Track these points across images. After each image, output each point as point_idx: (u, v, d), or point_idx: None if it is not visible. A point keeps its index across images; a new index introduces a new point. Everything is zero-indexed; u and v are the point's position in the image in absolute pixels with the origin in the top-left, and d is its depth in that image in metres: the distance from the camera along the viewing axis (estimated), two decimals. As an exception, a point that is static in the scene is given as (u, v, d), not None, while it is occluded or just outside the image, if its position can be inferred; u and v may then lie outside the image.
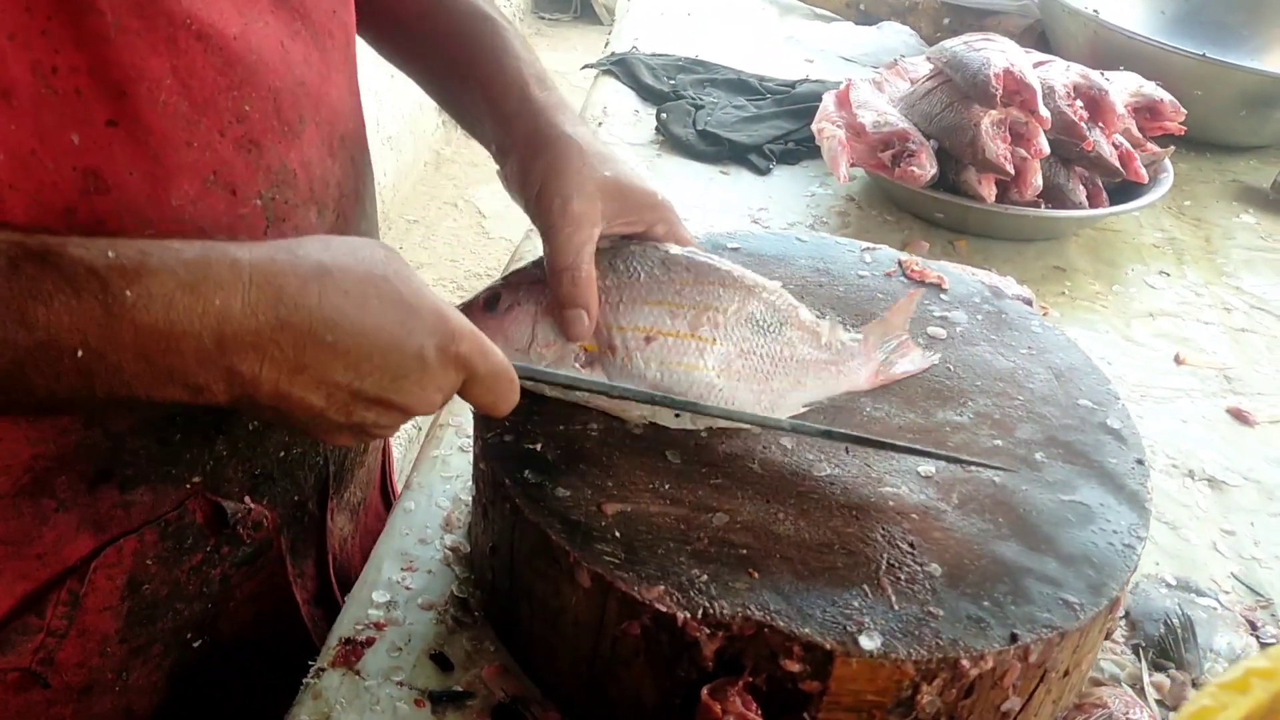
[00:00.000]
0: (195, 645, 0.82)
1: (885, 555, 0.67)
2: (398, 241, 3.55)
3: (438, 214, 3.78)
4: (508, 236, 3.57)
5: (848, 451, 0.75)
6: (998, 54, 1.25)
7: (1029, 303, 1.16)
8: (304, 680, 0.71)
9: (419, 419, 0.91)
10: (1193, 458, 1.00)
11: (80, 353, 0.52)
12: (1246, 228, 1.46)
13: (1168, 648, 0.79)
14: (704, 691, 0.62)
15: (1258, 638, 0.82)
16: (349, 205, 0.81)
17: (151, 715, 0.81)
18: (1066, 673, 0.67)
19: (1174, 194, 1.51)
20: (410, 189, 3.83)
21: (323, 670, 0.72)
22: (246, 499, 0.80)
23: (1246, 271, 1.35)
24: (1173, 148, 1.40)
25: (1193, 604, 0.83)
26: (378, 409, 0.61)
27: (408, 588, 0.78)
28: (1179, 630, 0.79)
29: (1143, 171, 1.32)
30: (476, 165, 4.08)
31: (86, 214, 0.61)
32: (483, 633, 0.76)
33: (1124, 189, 1.36)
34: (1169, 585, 0.85)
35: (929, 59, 1.36)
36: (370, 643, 0.74)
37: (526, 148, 0.78)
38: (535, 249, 1.18)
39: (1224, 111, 1.58)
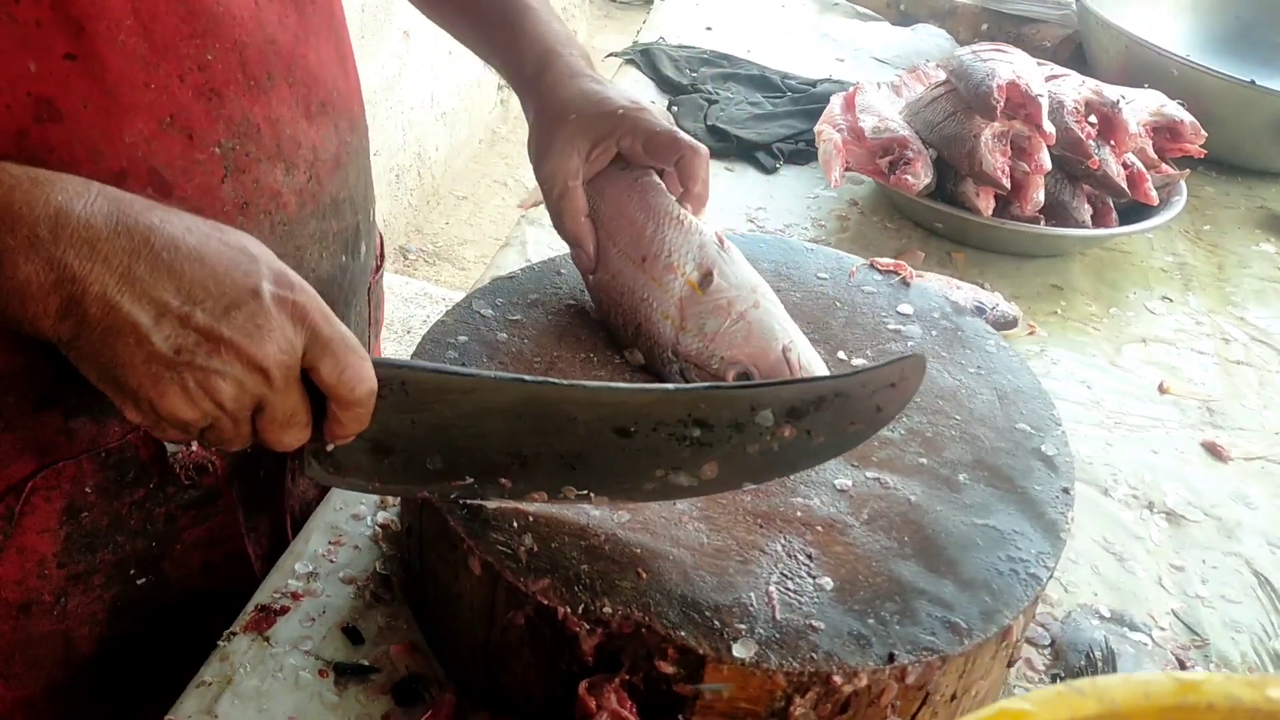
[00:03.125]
0: (139, 582, 0.83)
1: (780, 565, 0.67)
2: (445, 216, 3.59)
3: (487, 192, 3.82)
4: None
5: (768, 459, 0.75)
6: (1004, 65, 1.23)
7: (1014, 321, 1.15)
8: (218, 643, 0.74)
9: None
10: (1156, 489, 0.98)
11: None
12: (1264, 257, 1.42)
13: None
14: (581, 686, 0.63)
15: (1185, 678, 0.80)
16: (324, 170, 0.82)
17: (92, 646, 0.83)
18: (954, 697, 0.67)
19: (1193, 217, 1.48)
20: (462, 165, 3.87)
21: (234, 634, 0.74)
22: (193, 443, 0.81)
23: (1255, 302, 1.31)
24: (1188, 171, 1.36)
25: (1123, 638, 0.82)
26: (208, 346, 0.57)
27: (332, 561, 0.80)
28: (1099, 663, 0.78)
29: (1153, 194, 1.29)
30: (531, 146, 4.10)
31: (38, 139, 0.64)
32: (399, 611, 0.77)
33: (1137, 209, 1.33)
34: (1101, 617, 0.84)
35: (939, 66, 1.34)
36: (284, 611, 0.76)
37: (538, 114, 0.87)
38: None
39: (1257, 135, 1.54)
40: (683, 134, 0.84)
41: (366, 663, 0.73)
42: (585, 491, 0.67)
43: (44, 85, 0.63)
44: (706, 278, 0.79)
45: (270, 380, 0.59)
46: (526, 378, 0.66)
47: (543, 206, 0.89)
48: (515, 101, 1.00)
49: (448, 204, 3.68)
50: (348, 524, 0.83)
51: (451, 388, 0.65)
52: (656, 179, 0.86)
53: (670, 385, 0.64)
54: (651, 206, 0.82)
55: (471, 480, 0.67)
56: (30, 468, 0.74)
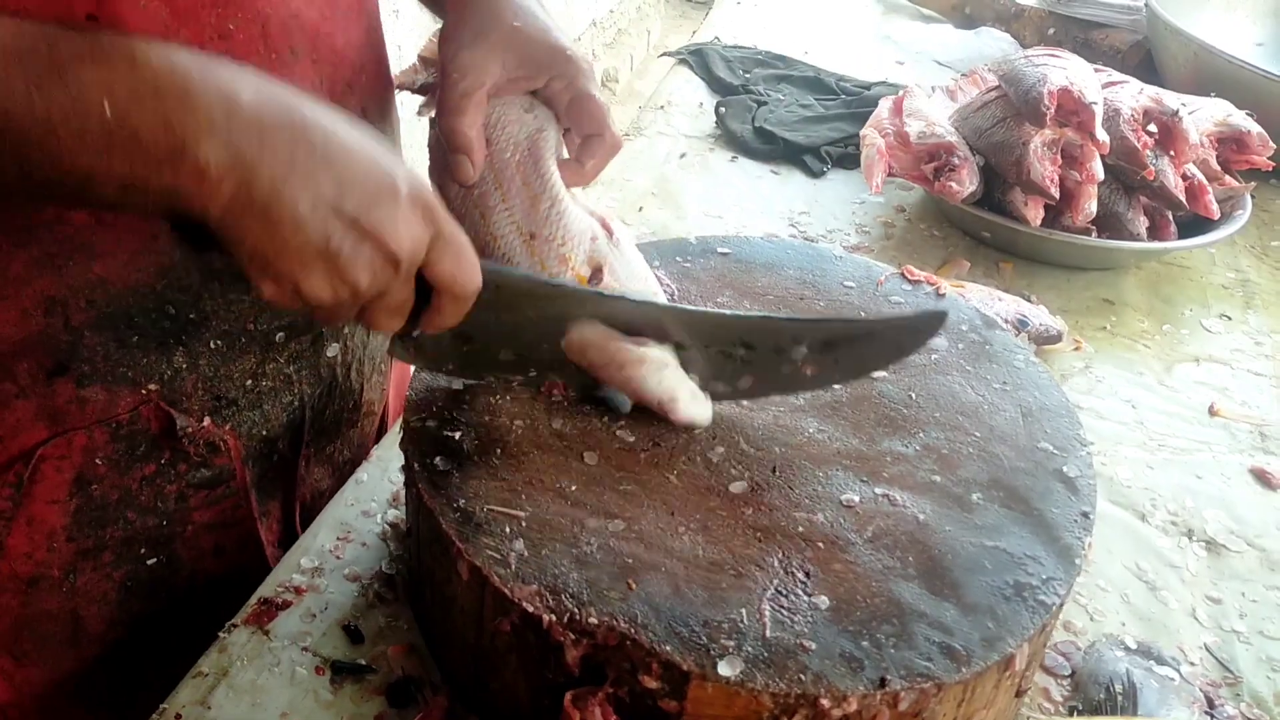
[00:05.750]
0: (150, 562, 0.84)
1: (775, 581, 0.65)
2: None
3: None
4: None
5: (775, 472, 0.73)
6: (1057, 71, 1.19)
7: (1058, 336, 1.11)
8: (219, 634, 0.74)
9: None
10: (1196, 516, 0.94)
11: (107, 109, 0.54)
12: (1335, 275, 1.35)
13: (1103, 714, 0.74)
14: (567, 697, 0.62)
15: (1212, 716, 0.76)
16: None
17: (101, 625, 0.84)
18: (953, 726, 0.65)
19: (1261, 232, 1.42)
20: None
21: (235, 626, 0.74)
22: (206, 420, 0.82)
23: (1322, 322, 1.25)
24: (1254, 184, 1.31)
25: (1149, 671, 0.78)
26: (354, 234, 0.60)
27: (338, 557, 0.80)
28: (1119, 697, 0.75)
29: (1214, 206, 1.24)
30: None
31: None
32: (401, 611, 0.77)
33: (1198, 222, 1.28)
34: (1127, 648, 0.80)
35: (991, 70, 1.30)
36: (286, 605, 0.76)
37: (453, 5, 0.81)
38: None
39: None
40: (612, 119, 0.80)
41: (364, 662, 0.73)
42: None
43: None
44: (597, 273, 0.77)
45: (398, 271, 0.62)
46: (604, 292, 0.72)
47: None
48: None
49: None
50: (358, 520, 0.83)
51: (538, 294, 0.72)
52: (555, 136, 0.80)
53: (726, 311, 0.76)
54: (546, 176, 0.77)
55: (535, 374, 0.76)
56: (41, 435, 0.75)
